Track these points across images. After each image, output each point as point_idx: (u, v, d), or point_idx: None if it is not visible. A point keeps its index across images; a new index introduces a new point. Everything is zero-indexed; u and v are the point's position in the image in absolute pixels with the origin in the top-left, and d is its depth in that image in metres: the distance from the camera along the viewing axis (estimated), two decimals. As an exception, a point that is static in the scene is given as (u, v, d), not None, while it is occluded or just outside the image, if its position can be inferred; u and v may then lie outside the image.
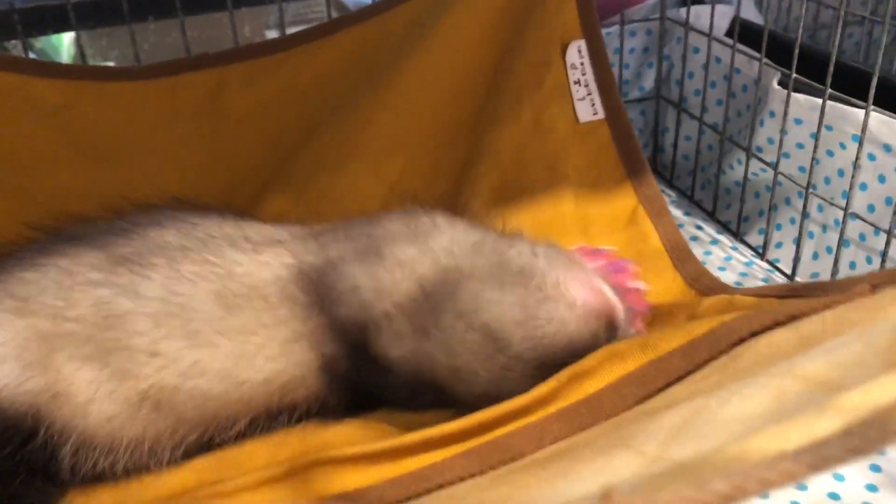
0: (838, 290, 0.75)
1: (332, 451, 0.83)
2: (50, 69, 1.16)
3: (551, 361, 0.85)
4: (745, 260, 1.30)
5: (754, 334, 0.71)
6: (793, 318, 0.69)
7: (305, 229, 0.96)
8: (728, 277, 1.23)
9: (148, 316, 0.85)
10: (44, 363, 0.82)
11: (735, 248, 1.33)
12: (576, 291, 0.87)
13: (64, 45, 2.15)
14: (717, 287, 1.07)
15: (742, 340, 0.72)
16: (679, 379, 0.75)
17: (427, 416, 0.89)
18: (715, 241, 1.35)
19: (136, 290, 0.85)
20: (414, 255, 0.91)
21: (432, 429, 0.81)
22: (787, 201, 1.28)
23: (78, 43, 1.31)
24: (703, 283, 1.09)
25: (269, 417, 0.89)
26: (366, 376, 0.90)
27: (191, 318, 0.85)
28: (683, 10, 1.46)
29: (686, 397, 0.65)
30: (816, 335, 0.63)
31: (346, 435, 0.89)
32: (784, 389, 0.52)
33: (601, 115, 1.25)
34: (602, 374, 0.81)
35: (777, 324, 0.70)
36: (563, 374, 0.82)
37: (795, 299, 0.79)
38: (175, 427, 0.86)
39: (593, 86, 1.25)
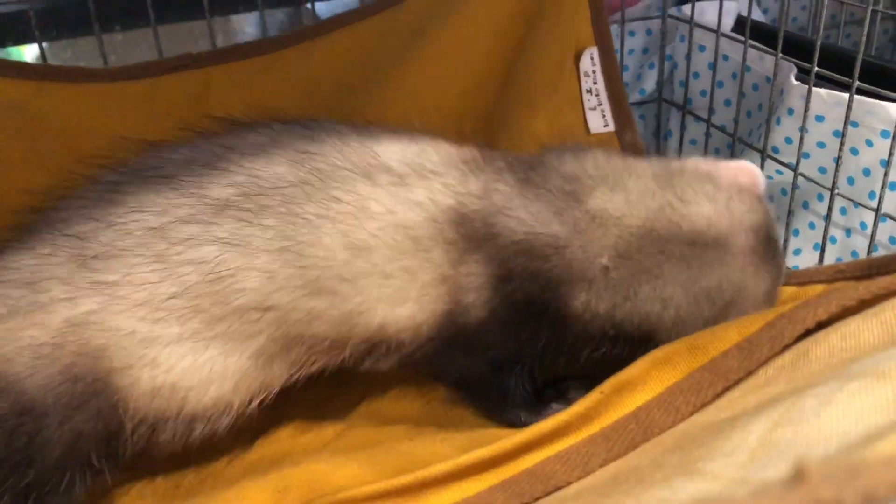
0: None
1: (348, 489, 0.73)
2: (14, 69, 1.06)
3: None
4: (762, 268, 1.23)
5: (821, 325, 0.63)
6: (863, 302, 0.61)
7: (459, 156, 0.84)
8: (748, 287, 1.16)
9: (261, 271, 0.74)
10: (140, 361, 0.73)
11: (751, 256, 1.26)
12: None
13: (25, 57, 2.04)
14: None
15: (807, 333, 0.64)
16: (738, 382, 0.66)
17: (450, 444, 0.81)
18: (729, 249, 1.27)
19: (247, 242, 0.74)
20: (621, 203, 0.80)
21: (462, 457, 0.71)
22: (805, 205, 1.21)
23: (41, 54, 1.21)
24: None
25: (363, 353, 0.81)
26: (500, 329, 0.80)
27: (308, 265, 0.75)
28: (684, 8, 1.40)
29: (757, 404, 0.56)
30: None
31: (361, 471, 0.79)
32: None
33: (612, 126, 1.20)
34: (650, 383, 0.73)
35: (846, 311, 0.62)
36: (606, 385, 0.74)
37: (847, 282, 0.71)
38: (285, 368, 0.78)
39: (604, 96, 1.19)
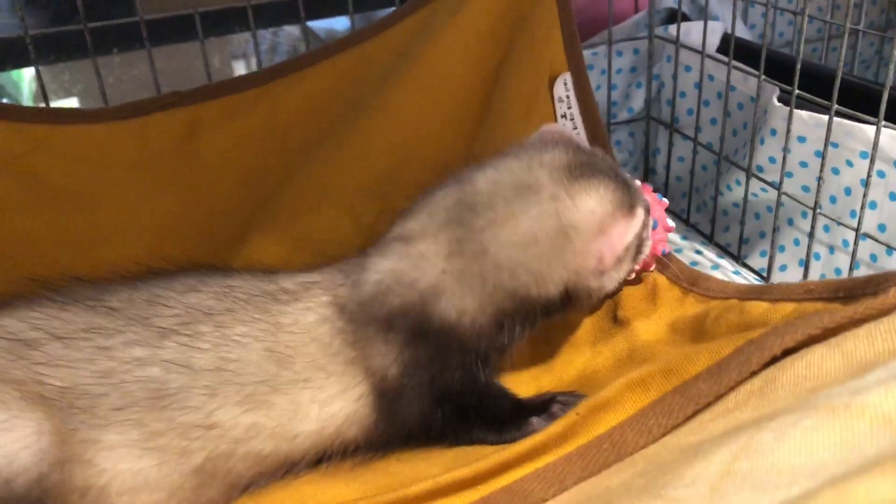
0: (863, 292, 0.70)
1: None
2: (10, 112, 1.09)
3: None
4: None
5: (787, 352, 0.65)
6: (827, 331, 0.63)
7: (332, 266, 0.94)
8: (734, 303, 1.18)
9: (203, 388, 0.80)
10: (76, 458, 0.76)
11: (737, 273, 1.28)
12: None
13: (25, 80, 2.07)
14: (714, 285, 1.03)
15: (774, 359, 0.66)
16: (708, 405, 0.68)
17: (435, 463, 0.83)
18: (716, 266, 1.30)
19: (188, 364, 0.80)
20: (423, 224, 0.90)
21: (442, 476, 0.74)
22: (790, 222, 1.24)
23: (38, 78, 1.23)
24: (702, 287, 1.04)
25: (317, 461, 0.87)
26: (413, 371, 0.87)
27: (245, 381, 0.82)
28: (670, 28, 1.42)
29: (724, 430, 0.59)
30: (866, 355, 0.57)
31: (347, 489, 0.82)
32: (853, 427, 0.46)
33: None
34: (624, 404, 0.76)
35: (811, 338, 0.64)
36: (582, 407, 0.76)
37: (815, 302, 0.74)
38: (222, 491, 0.83)
39: (579, 119, 1.21)
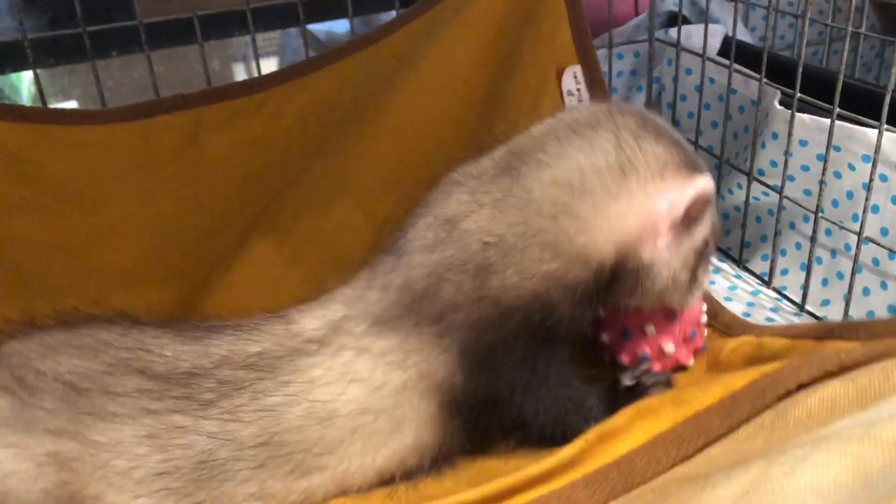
0: (883, 331, 0.69)
1: None
2: (12, 113, 1.08)
3: None
4: (750, 289, 1.24)
5: (802, 387, 0.65)
6: (844, 368, 0.63)
7: (355, 287, 0.87)
8: (735, 308, 1.17)
9: (251, 460, 0.77)
10: None
11: (738, 276, 1.28)
12: None
13: (24, 83, 2.06)
14: (736, 324, 1.00)
15: (788, 393, 0.65)
16: (718, 438, 0.68)
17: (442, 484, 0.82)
18: (717, 270, 1.29)
19: (232, 438, 0.77)
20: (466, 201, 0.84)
21: (447, 499, 0.73)
22: (792, 226, 1.23)
23: (37, 82, 1.22)
24: (721, 322, 1.03)
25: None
26: (487, 367, 0.81)
27: (291, 451, 0.78)
28: (671, 31, 1.42)
29: (733, 462, 0.58)
30: (881, 390, 0.57)
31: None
32: (865, 459, 0.45)
33: None
34: (633, 433, 0.74)
35: (827, 374, 0.63)
36: (591, 434, 0.75)
37: (835, 341, 0.72)
38: None
39: None
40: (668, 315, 0.94)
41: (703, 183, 0.81)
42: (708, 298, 1.08)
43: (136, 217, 1.13)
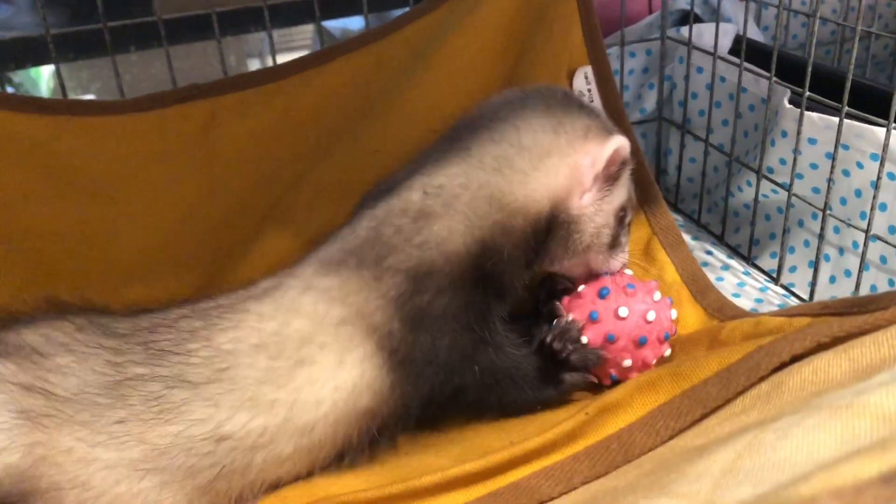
0: (877, 307, 0.70)
1: (343, 495, 0.77)
2: (31, 104, 1.10)
3: None
4: (758, 285, 1.26)
5: (795, 358, 0.66)
6: (836, 339, 0.64)
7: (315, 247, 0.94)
8: (743, 304, 1.18)
9: (205, 400, 0.79)
10: (68, 483, 0.76)
11: (747, 273, 1.29)
12: None
13: (43, 78, 2.09)
14: (740, 317, 1.02)
15: (783, 365, 0.67)
16: (716, 409, 0.69)
17: (443, 456, 0.84)
18: (726, 267, 1.30)
19: (186, 379, 0.80)
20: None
21: (452, 469, 0.75)
22: (800, 223, 1.24)
23: (58, 76, 1.25)
24: (726, 314, 1.04)
25: (339, 457, 0.85)
26: (418, 325, 0.85)
27: (243, 386, 0.81)
28: (683, 29, 1.43)
29: (729, 432, 0.60)
30: (872, 360, 0.58)
31: (357, 481, 0.83)
32: (854, 426, 0.47)
33: None
34: (633, 406, 0.77)
35: (820, 346, 0.65)
36: (591, 407, 0.77)
37: (830, 317, 0.74)
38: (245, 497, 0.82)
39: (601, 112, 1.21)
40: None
41: (620, 141, 0.92)
42: (713, 293, 1.10)
43: (153, 206, 1.14)
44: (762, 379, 0.68)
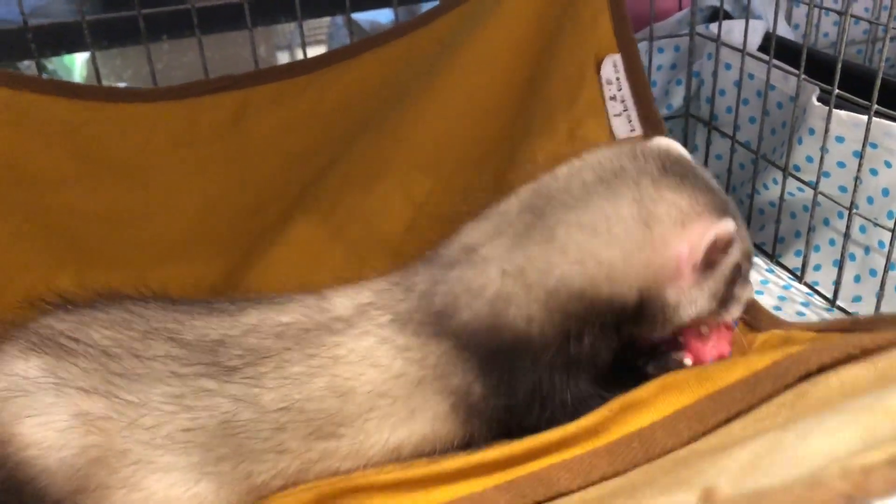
0: None
1: (363, 478, 0.78)
2: (67, 89, 1.13)
3: None
4: (782, 283, 1.25)
5: (823, 368, 0.66)
6: (866, 352, 0.64)
7: (387, 280, 0.91)
8: (766, 301, 1.18)
9: (271, 422, 0.80)
10: (116, 483, 0.77)
11: (771, 271, 1.28)
12: None
13: (76, 65, 2.12)
14: (766, 319, 1.01)
15: (809, 375, 0.67)
16: (739, 414, 0.69)
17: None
18: (750, 264, 1.30)
19: (255, 402, 0.80)
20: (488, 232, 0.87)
21: (471, 455, 0.76)
22: (826, 222, 1.24)
23: (93, 62, 1.27)
24: (751, 314, 1.04)
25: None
26: (500, 389, 0.84)
27: (311, 418, 0.81)
28: (712, 26, 1.42)
29: (752, 435, 0.60)
30: None
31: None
32: (875, 426, 0.48)
33: (638, 130, 1.20)
34: (656, 405, 0.77)
35: (850, 357, 0.65)
36: (615, 404, 0.78)
37: (861, 333, 0.74)
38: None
39: (630, 101, 1.21)
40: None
41: (722, 227, 0.82)
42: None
43: (183, 192, 1.17)
44: (788, 387, 0.68)
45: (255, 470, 0.80)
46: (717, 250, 0.83)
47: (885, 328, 0.75)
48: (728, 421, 0.70)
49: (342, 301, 0.88)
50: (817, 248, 1.25)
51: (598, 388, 0.86)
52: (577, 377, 0.85)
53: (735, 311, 0.90)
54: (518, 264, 0.83)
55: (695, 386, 0.77)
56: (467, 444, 0.85)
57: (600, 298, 0.82)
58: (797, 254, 1.27)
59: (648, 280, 0.83)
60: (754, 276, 1.27)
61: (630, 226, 0.82)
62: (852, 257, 1.19)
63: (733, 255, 0.86)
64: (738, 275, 0.87)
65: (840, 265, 1.17)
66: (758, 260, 1.31)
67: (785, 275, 1.27)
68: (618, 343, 0.86)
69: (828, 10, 1.52)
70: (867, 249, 1.18)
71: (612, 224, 0.82)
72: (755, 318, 1.03)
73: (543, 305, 0.82)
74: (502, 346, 0.83)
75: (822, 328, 0.86)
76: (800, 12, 1.72)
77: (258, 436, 0.80)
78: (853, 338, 0.67)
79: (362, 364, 0.83)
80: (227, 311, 0.87)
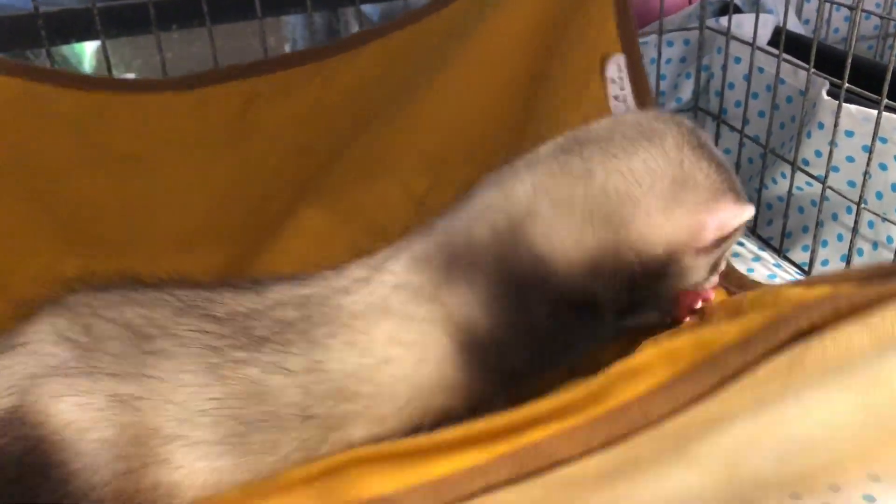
0: None
1: (364, 449, 0.79)
2: (76, 80, 1.13)
3: None
4: (789, 277, 1.25)
5: (815, 327, 0.66)
6: (856, 307, 0.64)
7: (408, 237, 0.92)
8: (773, 295, 1.18)
9: (298, 386, 0.81)
10: (150, 460, 0.77)
11: (779, 266, 1.28)
12: None
13: (86, 54, 2.13)
14: (746, 284, 1.04)
15: (802, 335, 0.67)
16: (735, 376, 0.69)
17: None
18: (757, 258, 1.30)
19: (284, 367, 0.81)
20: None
21: (469, 425, 0.76)
22: (834, 217, 1.23)
23: (104, 51, 1.27)
24: (734, 283, 1.05)
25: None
26: (507, 321, 0.83)
27: (334, 377, 0.81)
28: (722, 19, 1.42)
29: (750, 401, 0.60)
30: (892, 329, 0.58)
31: None
32: (876, 399, 0.48)
33: None
34: (654, 372, 0.76)
35: (839, 315, 0.65)
36: (613, 370, 0.78)
37: (851, 283, 0.74)
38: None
39: (631, 102, 1.21)
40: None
41: (749, 210, 0.87)
42: (736, 274, 1.09)
43: (192, 182, 1.17)
44: (781, 347, 0.68)
45: (281, 440, 0.80)
46: (740, 231, 0.88)
47: (872, 279, 0.75)
48: (724, 382, 0.70)
49: (359, 268, 0.89)
50: (825, 244, 1.25)
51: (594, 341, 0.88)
52: (587, 322, 0.86)
53: (714, 280, 0.94)
54: (553, 186, 0.84)
55: (690, 352, 0.76)
56: (473, 407, 0.83)
57: (630, 239, 0.84)
58: (805, 249, 1.27)
59: (674, 240, 0.85)
60: (762, 271, 1.27)
61: (672, 184, 0.84)
62: (860, 252, 1.19)
63: (738, 233, 0.90)
64: (727, 252, 0.93)
65: (848, 260, 1.16)
66: (765, 254, 1.31)
67: (792, 269, 1.27)
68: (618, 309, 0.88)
69: (839, 4, 1.51)
70: (875, 245, 1.17)
71: (657, 179, 0.84)
72: (737, 285, 1.06)
73: (574, 228, 0.83)
74: (515, 274, 0.83)
75: (813, 282, 0.86)
76: (810, 7, 1.71)
77: (286, 399, 0.80)
78: (842, 295, 0.67)
79: (377, 314, 0.84)
80: (251, 289, 0.88)
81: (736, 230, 0.88)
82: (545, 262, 0.83)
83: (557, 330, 0.85)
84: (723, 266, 0.95)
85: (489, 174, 0.90)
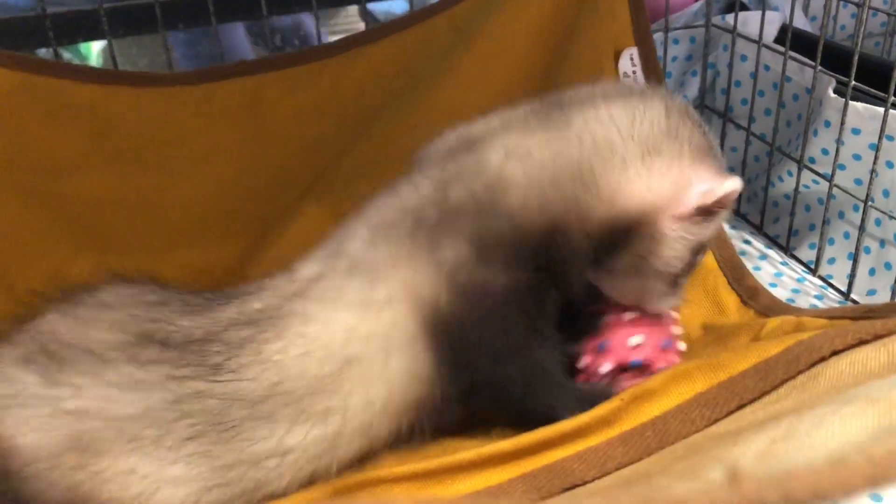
0: None
1: (380, 470, 0.79)
2: (83, 73, 1.13)
3: None
4: (796, 276, 1.25)
5: (836, 353, 0.66)
6: (878, 337, 0.64)
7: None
8: (780, 294, 1.17)
9: (265, 417, 0.77)
10: (142, 498, 0.74)
11: (785, 264, 1.28)
12: None
13: (93, 53, 2.13)
14: (776, 306, 1.02)
15: (822, 360, 0.67)
16: (752, 401, 0.70)
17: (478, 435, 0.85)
18: (764, 256, 1.30)
19: (241, 396, 0.77)
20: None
21: (486, 446, 0.76)
22: (841, 215, 1.23)
23: (110, 51, 1.28)
24: (761, 303, 1.04)
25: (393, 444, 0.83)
26: (466, 300, 0.79)
27: (296, 397, 0.78)
28: (728, 17, 1.41)
29: (763, 420, 0.60)
30: None
31: (393, 459, 0.84)
32: (889, 416, 0.48)
33: None
34: (669, 394, 0.77)
35: (862, 343, 0.65)
36: (627, 394, 0.78)
37: (875, 320, 0.73)
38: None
39: None
40: (643, 320, 0.90)
41: (737, 183, 0.81)
42: (749, 279, 1.09)
43: (198, 177, 1.17)
44: (800, 372, 0.68)
45: (264, 478, 0.77)
46: (724, 204, 0.81)
47: (894, 314, 0.75)
48: (741, 407, 0.70)
49: (311, 263, 0.85)
50: (832, 241, 1.24)
51: (558, 354, 0.85)
52: (547, 301, 0.83)
53: (673, 302, 0.89)
54: (525, 148, 0.81)
55: (706, 374, 0.77)
56: (444, 398, 0.82)
57: (603, 194, 0.80)
58: (811, 247, 1.27)
59: (653, 196, 0.80)
60: (768, 269, 1.26)
61: (656, 131, 0.80)
62: (867, 250, 1.18)
63: (722, 217, 0.85)
64: (697, 259, 0.87)
65: (855, 258, 1.16)
66: (772, 252, 1.31)
67: (799, 268, 1.27)
68: (585, 279, 0.85)
69: (846, 1, 1.50)
70: (882, 242, 1.17)
71: (638, 124, 0.80)
72: (764, 305, 1.04)
73: (542, 191, 0.80)
74: (488, 235, 0.80)
75: (835, 315, 0.86)
76: (817, 4, 1.71)
77: (254, 435, 0.76)
78: (865, 324, 0.67)
79: (330, 311, 0.80)
80: (209, 308, 0.84)
81: (721, 206, 0.82)
82: (517, 226, 0.80)
83: (527, 300, 0.82)
84: (700, 259, 0.88)
85: (449, 133, 0.88)
